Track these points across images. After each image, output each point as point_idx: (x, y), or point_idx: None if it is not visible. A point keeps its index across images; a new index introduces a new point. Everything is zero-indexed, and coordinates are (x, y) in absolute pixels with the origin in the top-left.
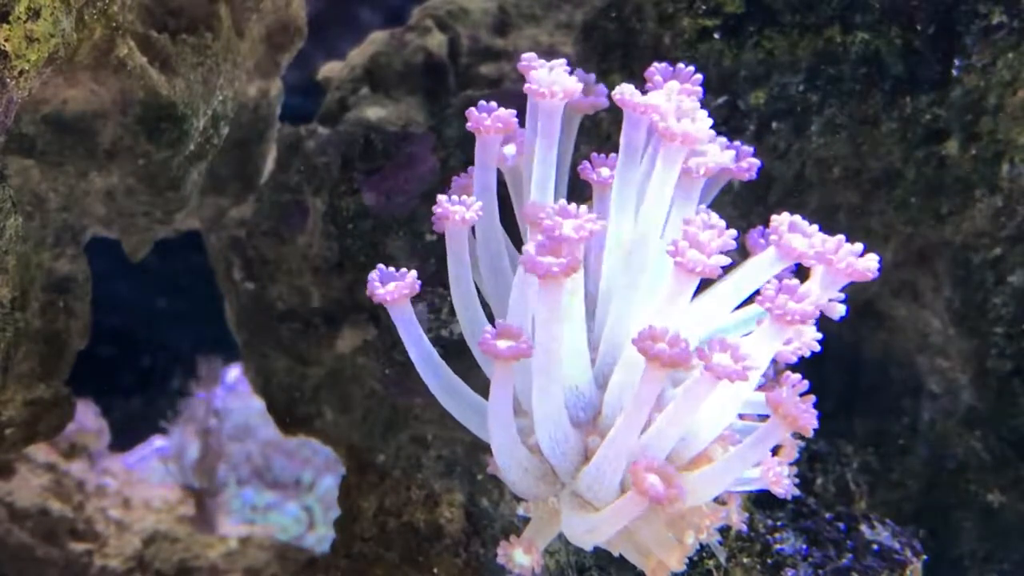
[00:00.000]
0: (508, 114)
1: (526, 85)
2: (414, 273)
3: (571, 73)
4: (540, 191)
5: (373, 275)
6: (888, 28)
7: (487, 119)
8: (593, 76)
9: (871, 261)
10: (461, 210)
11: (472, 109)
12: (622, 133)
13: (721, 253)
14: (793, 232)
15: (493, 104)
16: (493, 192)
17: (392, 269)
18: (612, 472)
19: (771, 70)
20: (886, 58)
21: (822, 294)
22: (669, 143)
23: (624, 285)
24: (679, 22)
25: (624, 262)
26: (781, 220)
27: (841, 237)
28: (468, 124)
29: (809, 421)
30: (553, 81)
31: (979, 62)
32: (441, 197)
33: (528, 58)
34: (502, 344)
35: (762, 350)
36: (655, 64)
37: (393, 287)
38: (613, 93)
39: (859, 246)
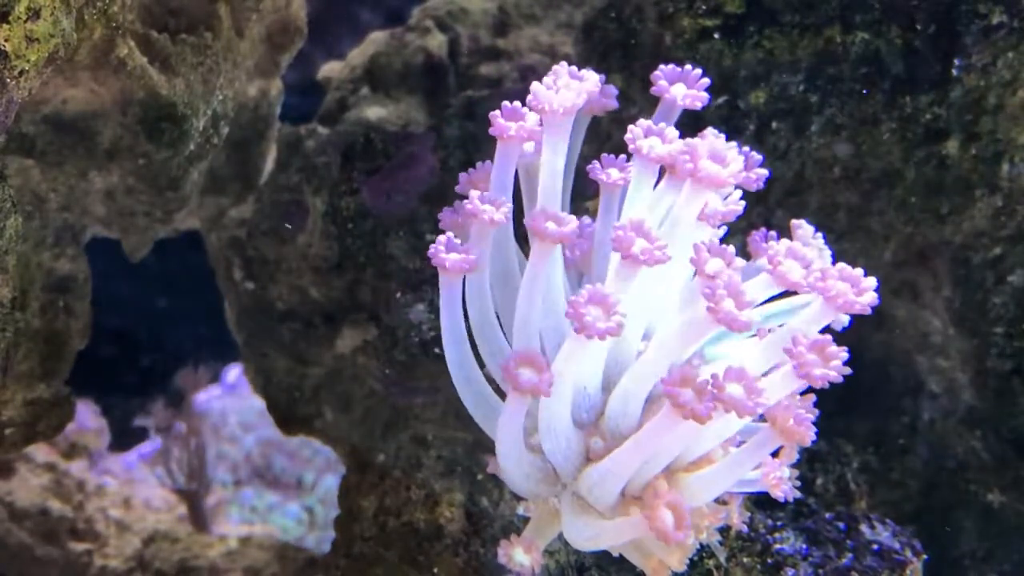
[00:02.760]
0: (534, 123)
1: (529, 98)
2: (479, 252)
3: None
4: (547, 201)
5: (441, 238)
6: (888, 28)
7: (512, 128)
8: (603, 76)
9: (868, 296)
10: (491, 210)
11: (497, 113)
12: (632, 175)
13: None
14: (790, 259)
15: (518, 105)
16: (510, 196)
17: (459, 242)
18: (614, 483)
19: (771, 70)
20: (886, 58)
21: (819, 323)
22: (696, 184)
23: (636, 297)
24: (679, 22)
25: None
26: (779, 249)
27: (842, 265)
28: (491, 129)
29: (806, 433)
30: (553, 98)
31: (979, 62)
32: (474, 193)
33: (545, 82)
34: (524, 374)
35: (776, 390)
36: (662, 67)
37: (457, 257)
38: (626, 137)
39: (859, 272)
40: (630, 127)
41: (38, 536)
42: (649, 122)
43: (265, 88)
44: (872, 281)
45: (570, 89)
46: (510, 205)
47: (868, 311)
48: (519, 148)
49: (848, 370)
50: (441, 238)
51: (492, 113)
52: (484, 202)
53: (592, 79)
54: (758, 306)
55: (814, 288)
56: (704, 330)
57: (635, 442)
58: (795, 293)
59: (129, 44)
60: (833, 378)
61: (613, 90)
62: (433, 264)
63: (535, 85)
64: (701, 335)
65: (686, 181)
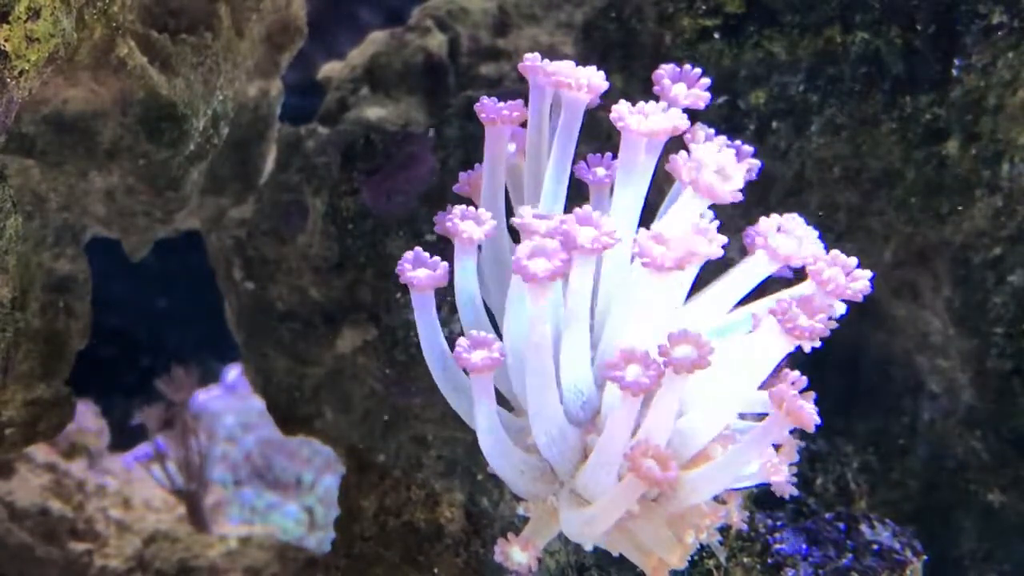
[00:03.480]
0: (519, 104)
1: (553, 77)
2: (446, 265)
3: None
4: (554, 189)
5: (408, 255)
6: (888, 28)
7: (503, 109)
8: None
9: (862, 283)
10: (471, 228)
11: (484, 101)
12: (620, 153)
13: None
14: (781, 234)
15: (495, 99)
16: (502, 190)
17: (427, 255)
18: (606, 474)
19: (771, 70)
20: (886, 58)
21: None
22: (697, 191)
23: (624, 290)
24: (679, 22)
25: (625, 268)
26: (769, 224)
27: (836, 252)
28: (482, 115)
29: (811, 416)
30: (580, 75)
31: (979, 62)
32: (457, 209)
33: (532, 58)
34: (476, 356)
35: (762, 356)
36: (663, 66)
37: (423, 273)
38: (611, 115)
39: (853, 260)
40: (614, 107)
41: (38, 536)
42: (628, 104)
43: (265, 88)
44: (866, 272)
45: (596, 73)
46: (494, 223)
47: (860, 297)
48: (508, 135)
49: (835, 324)
50: (408, 254)
51: (477, 104)
52: (466, 218)
53: (599, 77)
54: (747, 299)
55: (807, 269)
56: (657, 289)
57: (610, 425)
58: (785, 284)
59: (129, 44)
60: (820, 331)
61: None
62: (401, 282)
63: (560, 63)
64: (658, 296)
65: (687, 188)
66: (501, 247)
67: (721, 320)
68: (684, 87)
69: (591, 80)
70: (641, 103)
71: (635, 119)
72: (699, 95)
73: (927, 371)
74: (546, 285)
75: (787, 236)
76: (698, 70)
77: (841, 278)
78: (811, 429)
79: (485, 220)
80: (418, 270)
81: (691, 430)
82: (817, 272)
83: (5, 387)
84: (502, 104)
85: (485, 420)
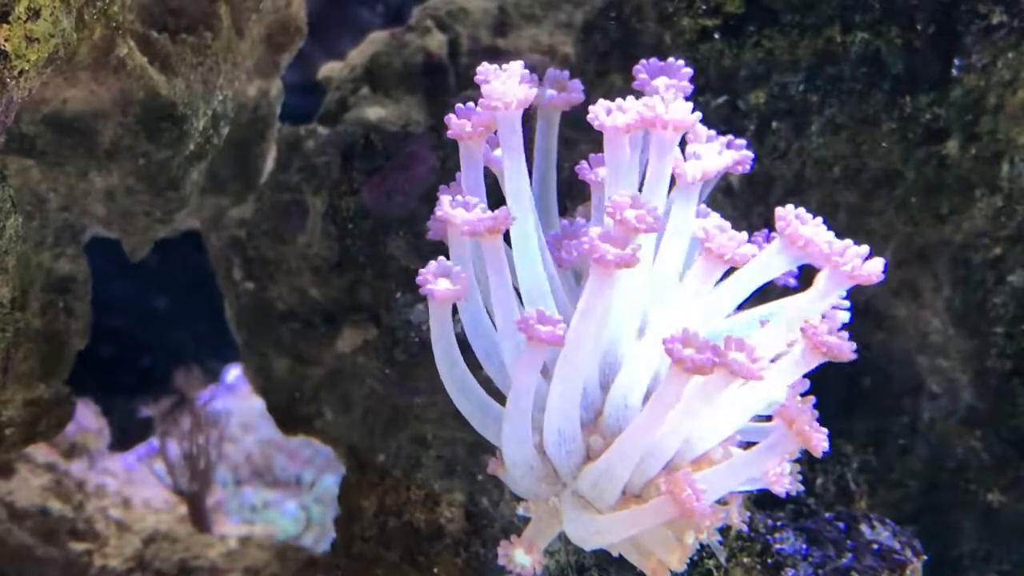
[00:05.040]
0: (487, 116)
1: (481, 100)
2: (467, 278)
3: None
4: (515, 201)
5: (431, 265)
6: (888, 28)
7: (468, 125)
8: (566, 73)
9: (876, 264)
10: (462, 213)
11: (451, 115)
12: (604, 149)
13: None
14: (800, 221)
15: (471, 105)
16: (483, 194)
17: (450, 264)
18: (620, 472)
19: (771, 70)
20: (886, 58)
21: (825, 298)
22: (660, 131)
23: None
24: (679, 22)
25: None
26: (787, 211)
27: (848, 241)
28: (448, 132)
29: (820, 441)
30: (505, 92)
31: (979, 62)
32: (444, 198)
33: (483, 71)
34: (542, 328)
35: (786, 374)
36: (643, 61)
37: (444, 286)
38: (588, 117)
39: (865, 248)
40: (591, 108)
41: (38, 536)
42: (608, 103)
43: (265, 88)
44: (879, 261)
45: (518, 86)
46: (484, 204)
47: (875, 280)
48: (481, 146)
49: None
50: (431, 264)
51: (446, 116)
52: (455, 206)
53: (523, 89)
54: (747, 302)
55: (824, 257)
56: (706, 277)
57: (643, 417)
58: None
59: (129, 44)
60: (845, 351)
61: (578, 84)
62: (421, 292)
63: (486, 86)
64: (705, 282)
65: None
66: None
67: (732, 318)
68: (665, 79)
69: (518, 96)
70: (619, 100)
71: (610, 116)
72: (680, 85)
73: (927, 371)
74: (613, 274)
75: (806, 224)
76: (680, 61)
77: (857, 260)
78: (819, 454)
79: (474, 205)
80: (439, 281)
81: (698, 434)
82: (832, 253)
83: (5, 387)
84: (465, 119)
85: (523, 400)
